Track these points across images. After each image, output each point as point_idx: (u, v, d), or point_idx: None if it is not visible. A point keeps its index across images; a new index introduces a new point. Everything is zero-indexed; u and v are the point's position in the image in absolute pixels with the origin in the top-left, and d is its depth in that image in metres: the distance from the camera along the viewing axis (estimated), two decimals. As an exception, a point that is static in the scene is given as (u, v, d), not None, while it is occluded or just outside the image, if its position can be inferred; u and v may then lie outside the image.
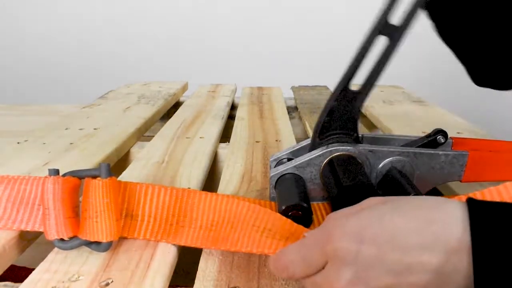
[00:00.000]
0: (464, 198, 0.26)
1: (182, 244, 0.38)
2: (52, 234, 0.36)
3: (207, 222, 0.39)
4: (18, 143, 0.64)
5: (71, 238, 0.36)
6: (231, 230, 0.37)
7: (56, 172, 0.37)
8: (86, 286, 0.32)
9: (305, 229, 0.35)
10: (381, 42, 0.41)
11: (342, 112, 0.44)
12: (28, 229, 0.38)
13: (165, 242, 0.38)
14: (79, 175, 0.38)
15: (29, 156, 0.58)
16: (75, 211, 0.37)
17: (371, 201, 0.28)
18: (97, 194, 0.36)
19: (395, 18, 0.41)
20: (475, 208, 0.24)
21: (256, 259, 0.36)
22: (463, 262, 0.23)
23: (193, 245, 0.37)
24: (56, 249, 0.37)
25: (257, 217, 0.37)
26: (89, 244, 0.36)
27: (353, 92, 0.43)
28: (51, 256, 0.36)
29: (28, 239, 0.40)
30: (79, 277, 0.33)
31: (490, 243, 0.23)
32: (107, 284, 0.32)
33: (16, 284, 0.33)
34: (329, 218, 0.29)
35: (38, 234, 0.41)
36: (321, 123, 0.44)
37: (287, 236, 0.35)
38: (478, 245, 0.23)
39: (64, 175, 0.37)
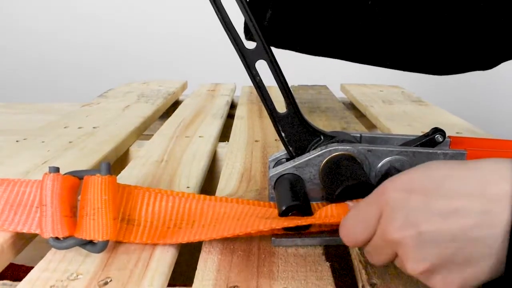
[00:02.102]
0: None
1: (179, 242, 0.38)
2: (47, 232, 0.36)
3: (205, 221, 0.39)
4: (17, 141, 0.63)
5: (66, 238, 0.36)
6: (232, 222, 0.38)
7: (56, 169, 0.37)
8: (84, 285, 0.32)
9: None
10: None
11: (293, 132, 0.44)
12: (24, 231, 0.38)
13: (162, 243, 0.38)
14: (79, 175, 0.38)
15: (28, 155, 0.58)
16: (72, 211, 0.37)
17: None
18: (96, 190, 0.36)
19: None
20: None
21: (255, 259, 0.36)
22: (505, 210, 0.24)
23: (190, 241, 0.37)
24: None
25: (258, 209, 0.40)
26: (84, 244, 0.36)
27: (282, 114, 0.43)
28: (49, 254, 0.36)
29: (26, 238, 0.40)
30: (77, 276, 0.33)
31: None
32: (106, 283, 0.32)
33: (15, 283, 0.33)
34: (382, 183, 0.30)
35: (36, 233, 0.41)
36: (292, 152, 0.44)
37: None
38: None
39: (64, 174, 0.37)
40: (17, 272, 0.46)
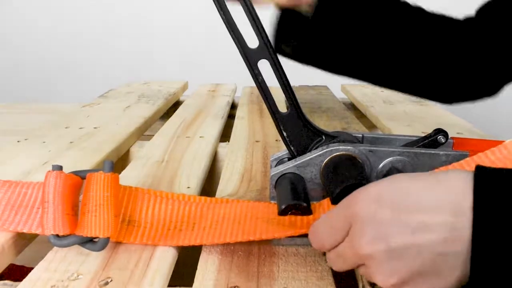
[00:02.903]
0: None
1: (180, 245, 0.38)
2: (48, 229, 0.36)
3: (205, 223, 0.39)
4: (18, 141, 0.64)
5: (67, 236, 0.36)
6: (233, 226, 0.38)
7: (59, 168, 0.37)
8: (85, 285, 0.32)
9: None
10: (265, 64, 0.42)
11: (295, 132, 0.44)
12: (24, 231, 0.38)
13: (162, 244, 0.38)
14: (81, 175, 0.38)
15: (29, 155, 0.58)
16: (74, 209, 0.37)
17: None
18: (98, 187, 0.36)
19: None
20: (481, 172, 0.26)
21: (256, 259, 0.36)
22: (468, 225, 0.25)
23: (191, 245, 0.37)
24: (55, 248, 0.37)
25: (258, 210, 0.40)
26: (84, 243, 0.36)
27: (284, 114, 0.43)
28: (50, 255, 0.36)
29: (26, 239, 0.40)
30: (78, 276, 0.33)
31: (491, 206, 0.24)
32: (106, 283, 0.32)
33: (15, 283, 0.33)
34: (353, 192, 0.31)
35: (36, 234, 0.41)
36: (293, 152, 0.44)
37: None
38: (479, 206, 0.25)
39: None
40: (17, 272, 0.46)
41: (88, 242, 0.36)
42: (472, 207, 0.25)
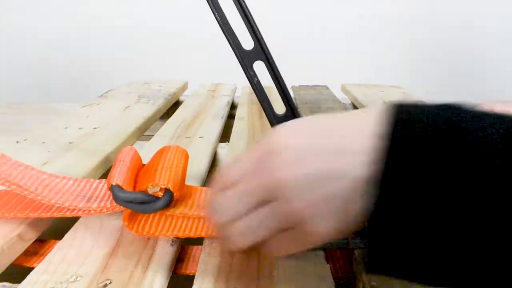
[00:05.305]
0: None
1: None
2: (115, 180, 0.37)
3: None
4: (17, 142, 0.63)
5: (130, 191, 0.37)
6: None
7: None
8: (84, 287, 0.32)
9: None
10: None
11: None
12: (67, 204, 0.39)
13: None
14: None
15: (29, 155, 0.57)
16: (134, 179, 0.40)
17: None
18: (173, 153, 0.42)
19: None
20: (399, 104, 0.25)
21: (255, 261, 0.36)
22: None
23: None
24: (54, 249, 0.37)
25: None
26: (144, 203, 0.36)
27: (280, 115, 0.43)
28: (49, 257, 0.36)
29: (27, 239, 0.40)
30: (77, 278, 0.33)
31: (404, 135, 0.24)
32: (106, 285, 0.32)
33: (14, 285, 0.33)
34: None
35: (37, 234, 0.41)
36: None
37: None
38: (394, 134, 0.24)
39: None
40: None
41: (146, 202, 0.36)
42: (387, 134, 0.24)
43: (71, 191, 0.42)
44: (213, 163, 0.63)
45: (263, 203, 0.28)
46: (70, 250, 0.36)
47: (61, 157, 0.57)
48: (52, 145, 0.62)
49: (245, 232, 0.29)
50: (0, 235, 0.38)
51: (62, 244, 0.38)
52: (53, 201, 0.39)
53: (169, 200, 0.36)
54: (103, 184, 0.43)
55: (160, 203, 0.35)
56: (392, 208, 0.23)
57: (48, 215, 0.39)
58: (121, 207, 0.37)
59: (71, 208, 0.39)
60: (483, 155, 0.22)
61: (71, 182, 0.43)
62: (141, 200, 0.36)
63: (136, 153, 0.44)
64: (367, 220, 0.24)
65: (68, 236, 0.39)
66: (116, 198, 0.36)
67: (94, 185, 0.43)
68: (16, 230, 0.39)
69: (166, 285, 0.33)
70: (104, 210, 0.39)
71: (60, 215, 0.40)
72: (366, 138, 0.25)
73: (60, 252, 0.36)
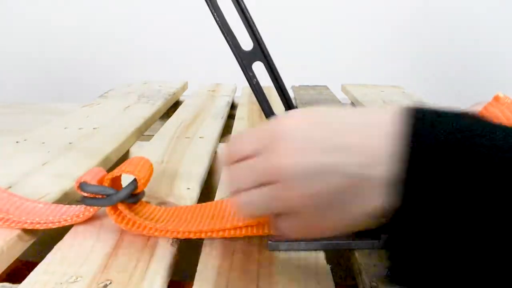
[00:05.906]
0: None
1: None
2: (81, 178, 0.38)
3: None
4: (17, 142, 0.63)
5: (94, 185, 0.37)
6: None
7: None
8: (84, 287, 0.32)
9: None
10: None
11: None
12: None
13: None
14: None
15: (28, 156, 0.57)
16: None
17: None
18: (140, 160, 0.41)
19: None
20: (413, 109, 0.25)
21: (255, 261, 0.36)
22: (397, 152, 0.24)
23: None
24: (54, 250, 0.37)
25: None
26: (108, 195, 0.37)
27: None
28: (49, 257, 0.36)
29: (26, 240, 0.40)
30: (77, 278, 0.33)
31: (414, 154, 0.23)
32: (106, 286, 0.32)
33: (14, 286, 0.33)
34: None
35: (36, 235, 0.41)
36: None
37: None
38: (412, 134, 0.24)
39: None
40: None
41: (108, 196, 0.37)
42: (404, 133, 0.24)
43: (41, 212, 0.41)
44: (213, 163, 0.63)
45: (265, 183, 0.29)
46: (70, 251, 0.36)
47: (61, 157, 0.57)
48: (52, 145, 0.62)
49: (252, 204, 0.30)
50: (0, 235, 0.38)
51: (62, 244, 0.38)
52: (23, 218, 0.39)
53: (133, 188, 0.36)
54: (73, 207, 0.43)
55: (125, 189, 0.37)
56: (418, 209, 0.23)
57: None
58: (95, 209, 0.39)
59: (41, 222, 0.40)
60: (506, 159, 0.22)
61: (41, 205, 0.43)
62: (104, 191, 0.37)
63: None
64: (389, 221, 0.24)
65: (68, 236, 0.39)
66: (83, 190, 0.37)
67: (64, 209, 0.42)
68: (16, 230, 0.39)
69: (166, 286, 0.33)
70: (81, 216, 0.40)
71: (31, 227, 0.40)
72: (384, 138, 0.24)
73: (60, 253, 0.36)
